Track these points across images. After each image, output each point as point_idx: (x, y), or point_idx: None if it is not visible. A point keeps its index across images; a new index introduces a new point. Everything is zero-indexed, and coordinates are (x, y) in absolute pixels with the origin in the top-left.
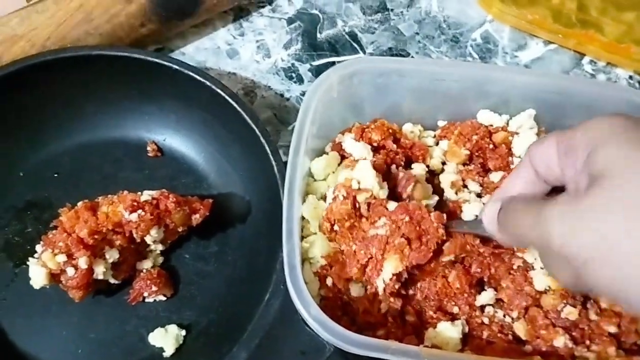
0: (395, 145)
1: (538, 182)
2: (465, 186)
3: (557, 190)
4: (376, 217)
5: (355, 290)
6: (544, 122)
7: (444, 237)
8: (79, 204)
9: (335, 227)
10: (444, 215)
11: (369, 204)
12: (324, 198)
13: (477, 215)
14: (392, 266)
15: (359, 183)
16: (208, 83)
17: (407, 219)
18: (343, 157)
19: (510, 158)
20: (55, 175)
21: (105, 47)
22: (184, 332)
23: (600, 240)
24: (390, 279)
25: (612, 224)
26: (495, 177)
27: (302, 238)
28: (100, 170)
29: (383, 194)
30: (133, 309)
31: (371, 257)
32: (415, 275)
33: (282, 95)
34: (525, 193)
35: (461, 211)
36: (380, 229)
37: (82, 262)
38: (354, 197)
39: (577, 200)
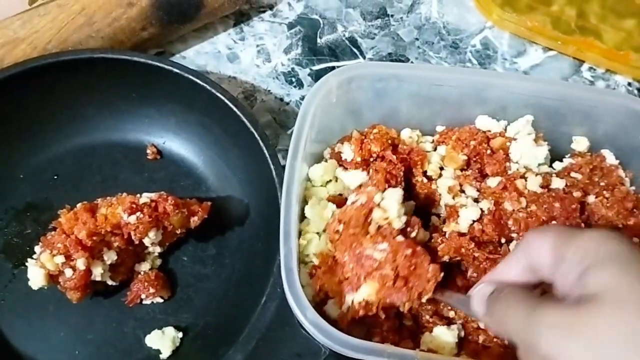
0: (394, 156)
1: (531, 274)
2: (462, 191)
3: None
4: (380, 238)
5: (331, 309)
6: (542, 127)
7: (430, 293)
8: (78, 205)
9: (340, 228)
10: (441, 273)
11: (379, 226)
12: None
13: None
14: (367, 291)
15: (381, 200)
16: (208, 87)
17: (408, 252)
18: (341, 166)
19: (507, 164)
20: (55, 177)
21: (106, 50)
22: (180, 334)
23: (593, 355)
24: (359, 303)
25: (606, 342)
26: (492, 182)
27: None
28: (100, 172)
29: (398, 224)
30: (130, 311)
31: (356, 274)
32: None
33: (281, 100)
34: (519, 281)
35: (458, 216)
36: (378, 252)
37: (80, 264)
38: (371, 210)
39: (570, 314)
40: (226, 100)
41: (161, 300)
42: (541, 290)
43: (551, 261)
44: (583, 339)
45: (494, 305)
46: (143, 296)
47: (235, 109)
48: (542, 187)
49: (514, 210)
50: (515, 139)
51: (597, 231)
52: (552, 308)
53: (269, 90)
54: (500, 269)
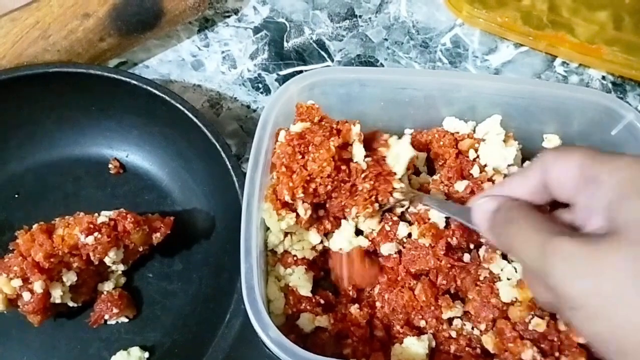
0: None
1: (544, 193)
2: None
3: (557, 204)
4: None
5: (304, 323)
6: (512, 127)
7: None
8: (35, 226)
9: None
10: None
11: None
12: None
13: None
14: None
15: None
16: (167, 98)
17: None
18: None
19: (475, 167)
20: (16, 195)
21: (62, 64)
22: (147, 355)
23: (604, 293)
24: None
25: (622, 283)
26: (459, 186)
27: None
28: (62, 189)
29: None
30: (95, 332)
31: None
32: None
33: (248, 107)
34: (527, 199)
35: (429, 219)
36: None
37: (38, 287)
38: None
39: (590, 245)
40: (186, 111)
41: (126, 320)
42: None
43: (576, 181)
44: (593, 273)
45: (503, 225)
46: (107, 317)
47: (195, 119)
48: None
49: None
50: (484, 140)
51: (636, 157)
52: (570, 239)
53: (235, 98)
54: (507, 184)
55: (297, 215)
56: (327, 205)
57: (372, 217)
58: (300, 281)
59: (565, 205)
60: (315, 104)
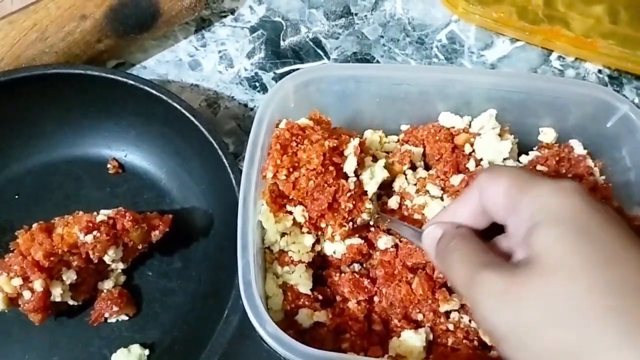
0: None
1: (484, 216)
2: (427, 191)
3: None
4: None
5: (302, 318)
6: (508, 121)
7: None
8: (34, 225)
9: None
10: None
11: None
12: None
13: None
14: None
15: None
16: (164, 97)
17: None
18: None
19: (471, 161)
20: (16, 196)
21: (60, 65)
22: (147, 352)
23: (522, 324)
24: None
25: (537, 312)
26: (455, 180)
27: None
28: (62, 189)
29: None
30: (95, 330)
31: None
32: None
33: (245, 106)
34: (470, 223)
35: (422, 215)
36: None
37: (38, 285)
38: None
39: (510, 277)
40: (184, 111)
41: (126, 318)
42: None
43: (504, 205)
44: (513, 307)
45: (444, 254)
46: (107, 315)
47: (193, 119)
48: None
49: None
50: (479, 134)
51: (556, 182)
52: (493, 272)
53: (232, 97)
54: (452, 209)
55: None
56: (308, 208)
57: (347, 237)
58: (301, 279)
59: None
60: (328, 117)
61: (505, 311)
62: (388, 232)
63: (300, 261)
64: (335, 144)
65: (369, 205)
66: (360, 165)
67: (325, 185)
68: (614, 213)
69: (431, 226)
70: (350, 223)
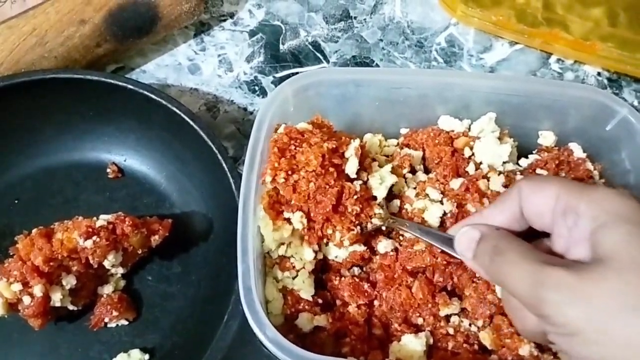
0: None
1: (521, 221)
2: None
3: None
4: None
5: (303, 323)
6: (507, 124)
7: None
8: (34, 230)
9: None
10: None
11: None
12: None
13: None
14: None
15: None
16: (164, 102)
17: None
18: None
19: (471, 164)
20: (16, 201)
21: (59, 70)
22: (147, 357)
23: (596, 321)
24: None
25: (612, 310)
26: (454, 184)
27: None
28: (61, 194)
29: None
30: (95, 335)
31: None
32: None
33: (245, 109)
34: (505, 227)
35: (422, 219)
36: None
37: (37, 290)
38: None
39: (580, 274)
40: (183, 115)
41: (126, 323)
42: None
43: (554, 212)
44: (585, 302)
45: (490, 255)
46: (107, 320)
47: (192, 123)
48: (505, 186)
49: (477, 211)
50: (479, 138)
51: (609, 189)
52: (562, 269)
53: (232, 101)
54: (487, 214)
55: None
56: (311, 212)
57: (356, 242)
58: (304, 285)
59: (542, 234)
60: (329, 121)
61: (577, 306)
62: (388, 235)
63: (303, 267)
64: (334, 146)
65: (378, 210)
66: (368, 169)
67: (327, 187)
68: None
69: (465, 227)
70: (359, 227)
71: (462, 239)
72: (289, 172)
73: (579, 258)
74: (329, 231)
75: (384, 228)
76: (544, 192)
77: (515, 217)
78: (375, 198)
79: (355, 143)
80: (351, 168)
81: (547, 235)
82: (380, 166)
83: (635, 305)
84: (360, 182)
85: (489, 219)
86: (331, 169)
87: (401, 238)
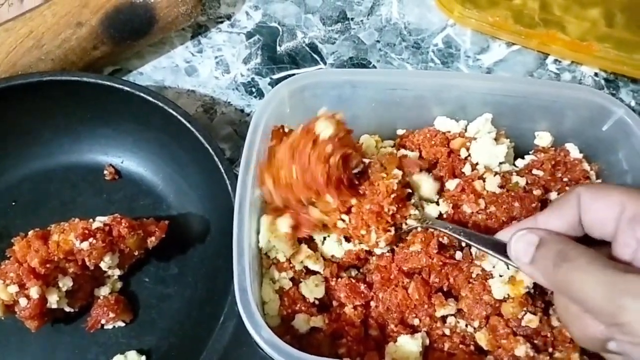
0: None
1: (577, 228)
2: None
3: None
4: None
5: (299, 324)
6: (504, 125)
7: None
8: (30, 232)
9: None
10: None
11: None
12: None
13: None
14: None
15: None
16: (160, 104)
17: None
18: None
19: (467, 165)
20: (14, 203)
21: (55, 73)
22: (144, 358)
23: None
24: None
25: None
26: (450, 185)
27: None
28: (59, 196)
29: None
30: (92, 337)
31: None
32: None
33: (242, 111)
34: (563, 233)
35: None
36: None
37: (34, 292)
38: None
39: None
40: (179, 117)
41: (123, 324)
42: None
43: (618, 221)
44: None
45: (555, 261)
46: (103, 321)
47: (189, 125)
48: (501, 187)
49: (472, 212)
50: (475, 139)
51: None
52: (636, 276)
53: (229, 102)
54: (543, 220)
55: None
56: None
57: (392, 243)
58: (317, 289)
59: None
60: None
61: None
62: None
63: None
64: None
65: (414, 211)
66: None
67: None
68: None
69: (522, 231)
70: (393, 228)
71: (519, 242)
72: (277, 173)
73: None
74: (363, 232)
75: (419, 229)
76: (608, 200)
77: (573, 224)
78: (410, 198)
79: (321, 111)
80: (325, 131)
81: (604, 243)
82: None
83: None
84: (396, 180)
85: (546, 224)
86: (302, 148)
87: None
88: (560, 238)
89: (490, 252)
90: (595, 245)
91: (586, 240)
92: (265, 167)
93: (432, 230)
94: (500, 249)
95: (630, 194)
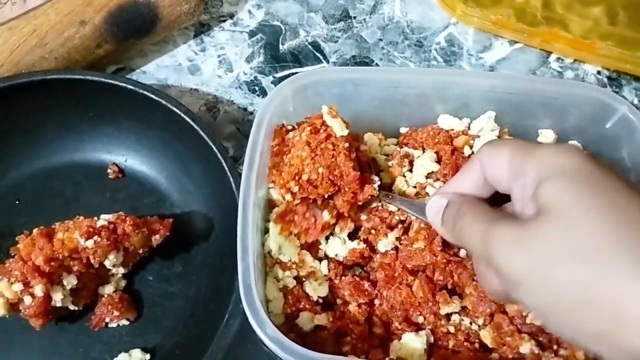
0: None
1: (486, 186)
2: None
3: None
4: None
5: (303, 322)
6: (507, 122)
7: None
8: (35, 230)
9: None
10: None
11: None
12: None
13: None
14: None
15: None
16: (164, 102)
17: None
18: None
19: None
20: (17, 202)
21: (59, 71)
22: (148, 356)
23: (538, 267)
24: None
25: (551, 255)
26: None
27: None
28: (62, 195)
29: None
30: (97, 335)
31: None
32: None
33: (245, 110)
34: (473, 193)
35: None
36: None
37: (38, 290)
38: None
39: (523, 226)
40: (183, 115)
41: (127, 322)
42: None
43: (508, 174)
44: (527, 252)
45: (453, 219)
46: (107, 319)
47: (192, 123)
48: None
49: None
50: (478, 137)
51: (555, 145)
52: (506, 223)
53: (232, 101)
54: (453, 183)
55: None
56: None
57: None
58: (321, 288)
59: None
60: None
61: (520, 255)
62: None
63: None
64: (309, 130)
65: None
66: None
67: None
68: (611, 169)
69: (435, 197)
70: (352, 224)
71: (432, 206)
72: (297, 178)
73: (528, 217)
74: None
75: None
76: (500, 157)
77: (480, 183)
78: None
79: (324, 109)
80: (338, 129)
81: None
82: (380, 165)
83: (574, 250)
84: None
85: (457, 187)
86: (323, 145)
87: (403, 238)
88: (462, 198)
89: (424, 218)
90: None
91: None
92: (277, 166)
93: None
94: None
95: (515, 147)
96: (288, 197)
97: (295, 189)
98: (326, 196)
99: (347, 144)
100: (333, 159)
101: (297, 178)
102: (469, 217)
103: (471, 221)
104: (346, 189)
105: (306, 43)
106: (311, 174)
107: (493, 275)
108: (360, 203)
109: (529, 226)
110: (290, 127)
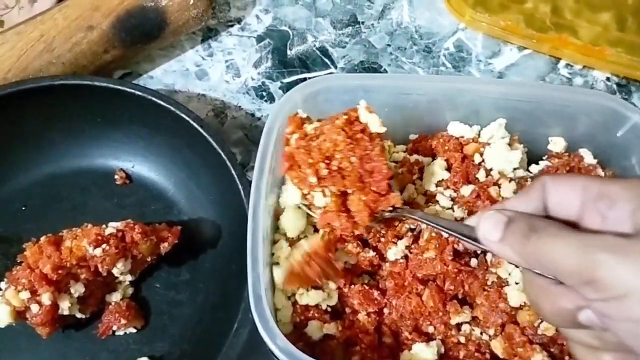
0: None
1: (543, 213)
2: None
3: None
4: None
5: (312, 331)
6: (517, 130)
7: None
8: (42, 238)
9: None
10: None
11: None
12: None
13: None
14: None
15: None
16: (172, 108)
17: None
18: None
19: (481, 171)
20: (24, 208)
21: (66, 77)
22: None
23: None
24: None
25: None
26: (465, 191)
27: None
28: (69, 201)
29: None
30: (103, 343)
31: None
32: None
33: (253, 115)
34: None
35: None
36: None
37: (46, 299)
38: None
39: (628, 238)
40: (191, 121)
41: (134, 330)
42: None
43: (582, 201)
44: (637, 262)
45: (525, 234)
46: (115, 327)
47: (200, 129)
48: (516, 193)
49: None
50: (489, 144)
51: (630, 178)
52: (607, 235)
53: (239, 106)
54: (511, 203)
55: None
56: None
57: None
58: (329, 297)
59: None
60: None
61: (631, 264)
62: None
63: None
64: (345, 118)
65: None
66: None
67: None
68: None
69: (490, 212)
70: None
71: (488, 221)
72: (327, 162)
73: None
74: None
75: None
76: (571, 184)
77: (538, 210)
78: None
79: (362, 103)
80: (375, 124)
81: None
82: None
83: None
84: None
85: (513, 208)
86: (359, 135)
87: (413, 246)
88: (528, 214)
89: (463, 237)
90: None
91: None
92: (292, 157)
93: (401, 217)
94: (469, 232)
95: (591, 178)
96: (312, 179)
97: (324, 172)
98: (349, 191)
99: (382, 142)
100: (367, 152)
101: (326, 162)
102: (553, 229)
103: (558, 233)
104: (372, 189)
105: (314, 48)
106: (342, 161)
107: (560, 292)
108: (377, 215)
109: (636, 239)
110: (305, 116)
